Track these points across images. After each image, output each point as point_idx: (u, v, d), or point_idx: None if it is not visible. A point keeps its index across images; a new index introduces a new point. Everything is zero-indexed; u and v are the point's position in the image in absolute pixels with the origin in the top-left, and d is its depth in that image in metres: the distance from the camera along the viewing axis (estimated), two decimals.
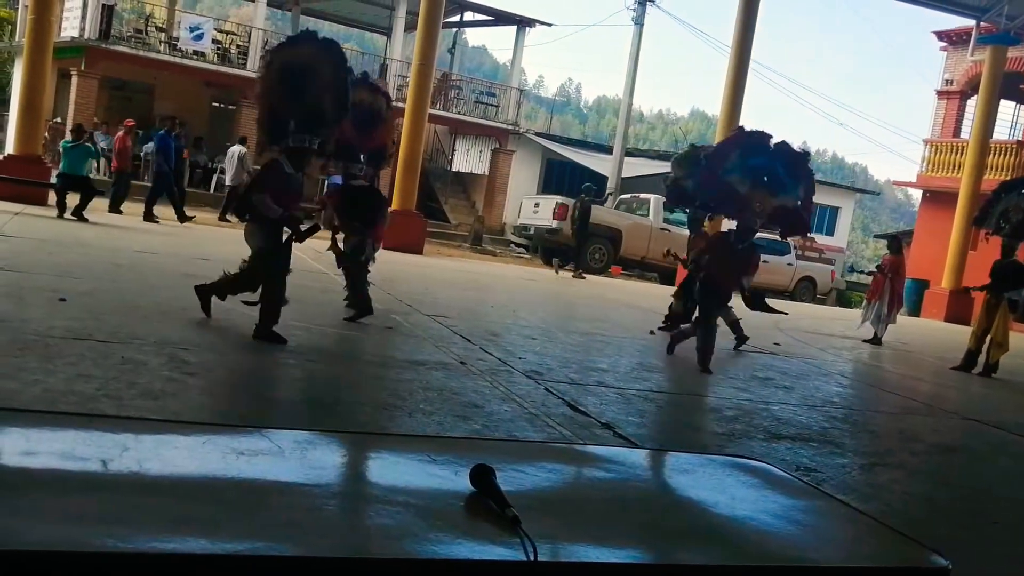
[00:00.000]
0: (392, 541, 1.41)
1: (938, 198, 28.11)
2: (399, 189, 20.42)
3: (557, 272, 18.98)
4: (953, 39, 29.16)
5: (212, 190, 28.30)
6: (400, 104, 23.67)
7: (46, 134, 22.05)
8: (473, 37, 78.34)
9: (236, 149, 21.26)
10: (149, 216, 18.07)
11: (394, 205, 20.66)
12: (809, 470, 5.65)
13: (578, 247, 21.45)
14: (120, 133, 19.92)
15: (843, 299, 30.84)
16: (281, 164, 7.63)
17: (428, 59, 20.51)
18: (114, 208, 18.52)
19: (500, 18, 34.28)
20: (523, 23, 33.65)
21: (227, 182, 21.62)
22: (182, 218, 18.49)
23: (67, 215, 15.60)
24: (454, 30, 36.12)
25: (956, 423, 8.72)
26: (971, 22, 24.63)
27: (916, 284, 23.62)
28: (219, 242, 15.46)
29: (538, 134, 36.39)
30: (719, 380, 8.90)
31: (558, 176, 34.47)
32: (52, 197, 16.42)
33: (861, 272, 17.48)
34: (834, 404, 8.50)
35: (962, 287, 13.08)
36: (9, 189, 16.71)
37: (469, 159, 34.75)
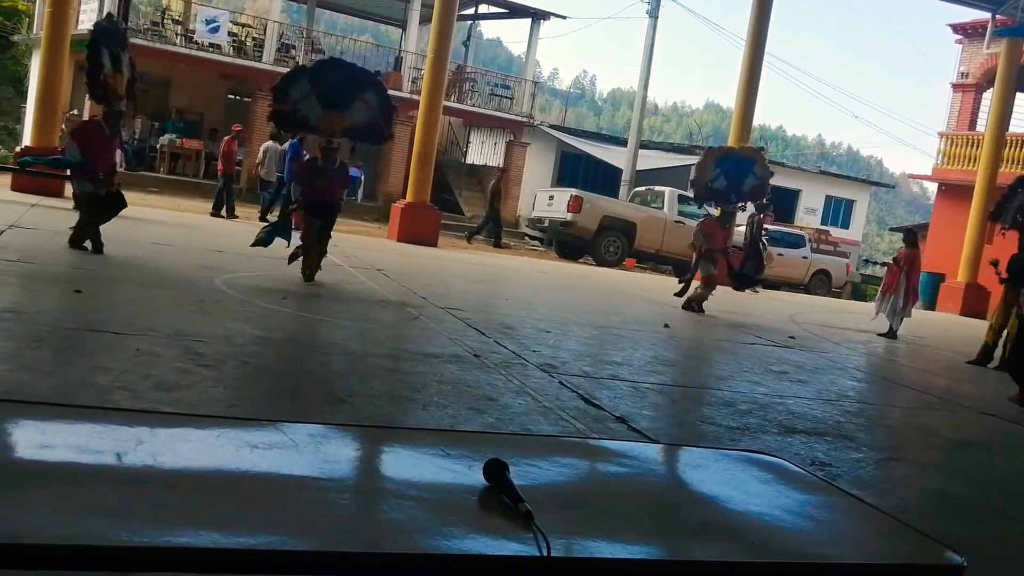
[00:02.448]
0: (405, 535, 1.41)
1: (954, 191, 27.99)
2: (413, 181, 20.42)
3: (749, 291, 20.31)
4: (969, 32, 29.01)
5: None
6: (416, 96, 23.65)
7: (63, 126, 22.18)
8: (488, 30, 78.48)
9: (277, 146, 21.34)
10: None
11: (408, 197, 20.71)
12: (824, 464, 5.63)
13: (746, 262, 21.74)
14: (227, 137, 20.10)
15: (858, 292, 30.75)
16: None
17: (443, 52, 20.49)
18: (216, 212, 19.12)
19: (515, 11, 34.23)
20: (538, 16, 33.60)
21: (265, 176, 21.62)
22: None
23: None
24: (469, 22, 36.08)
25: (972, 418, 8.68)
26: (987, 15, 24.47)
27: (932, 278, 23.53)
28: (233, 235, 15.50)
29: (552, 126, 36.34)
30: (733, 374, 8.87)
31: (572, 168, 34.43)
32: (68, 189, 16.48)
33: (875, 263, 17.44)
34: (849, 398, 8.48)
35: (991, 261, 12.95)
36: (26, 181, 16.79)
37: (483, 151, 34.72)
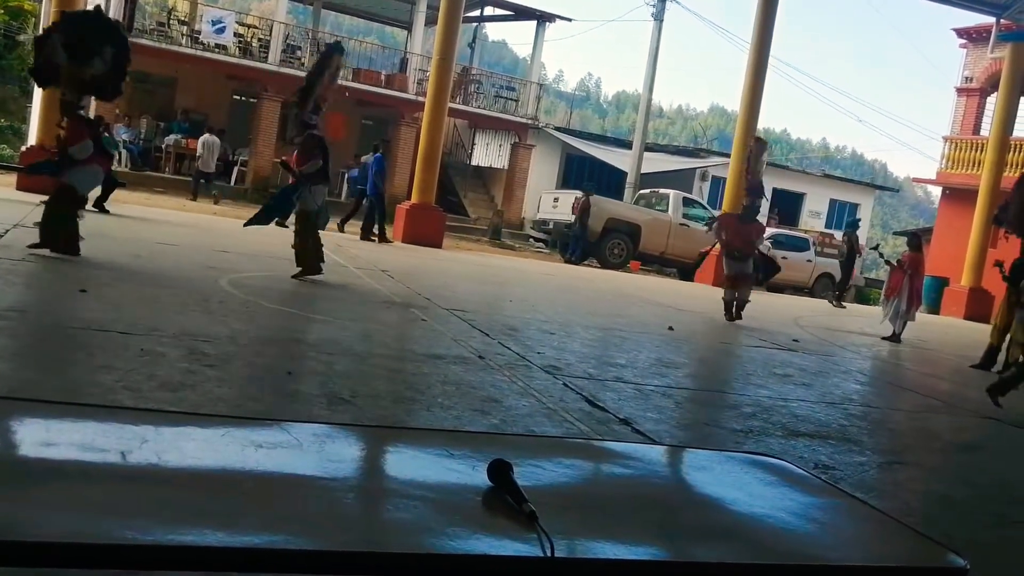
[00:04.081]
0: (409, 535, 1.41)
1: (958, 195, 27.96)
2: (418, 183, 20.44)
3: (836, 305, 20.90)
4: (973, 36, 29.00)
5: (232, 182, 28.43)
6: (421, 98, 23.65)
7: None
8: (493, 32, 78.53)
9: (216, 139, 24.86)
10: (367, 235, 19.04)
11: (413, 199, 20.74)
12: (827, 467, 5.63)
13: (844, 281, 22.75)
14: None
15: (862, 296, 30.73)
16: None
17: (448, 53, 20.50)
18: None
19: (520, 13, 34.24)
20: (543, 18, 33.62)
21: (203, 167, 24.73)
22: (383, 238, 19.13)
23: (89, 207, 15.68)
24: (474, 24, 36.07)
25: (976, 422, 8.67)
26: (991, 19, 24.47)
27: (935, 281, 23.50)
28: (237, 235, 15.50)
29: (557, 128, 36.36)
30: (738, 376, 8.88)
31: (577, 171, 34.43)
32: None
33: (883, 256, 17.48)
34: (852, 401, 8.47)
35: (995, 262, 12.94)
36: (32, 181, 16.81)
37: (488, 153, 34.75)
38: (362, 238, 18.90)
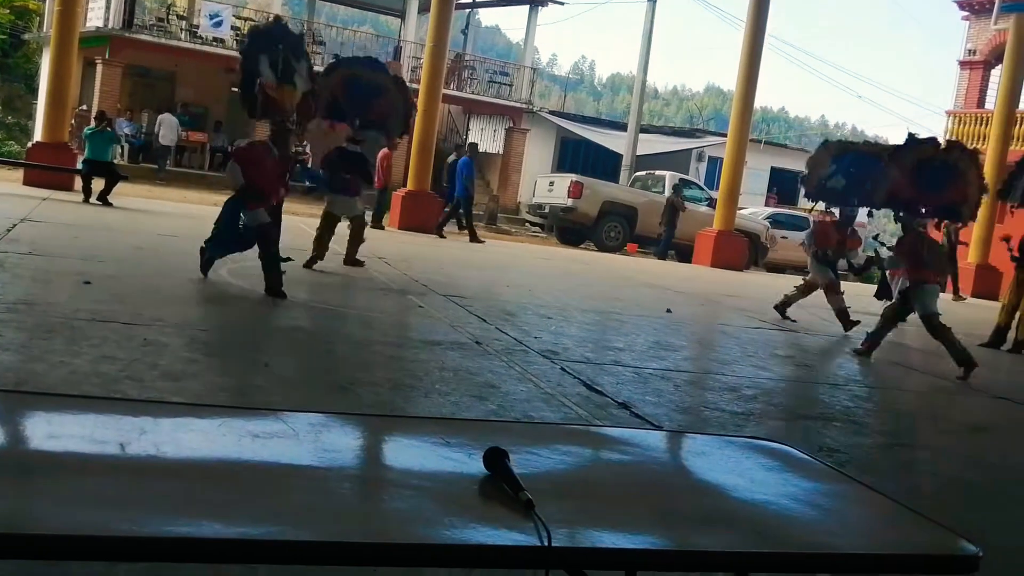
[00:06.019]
0: (406, 526, 1.41)
1: None
2: (414, 169, 20.40)
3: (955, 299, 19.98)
4: (976, 8, 28.81)
5: None
6: (415, 85, 23.65)
7: (72, 121, 22.34)
8: (486, 17, 78.26)
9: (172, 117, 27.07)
10: (474, 237, 19.38)
11: (409, 185, 20.69)
12: (832, 451, 5.61)
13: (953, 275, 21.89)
14: (386, 150, 18.64)
15: (865, 278, 30.64)
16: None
17: (441, 40, 20.43)
18: (376, 224, 18.34)
19: None
20: (536, 2, 33.52)
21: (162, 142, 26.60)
22: (474, 238, 19.42)
23: (92, 200, 15.73)
24: (467, 11, 35.98)
25: (984, 402, 8.62)
26: None
27: None
28: None
29: (552, 112, 36.29)
30: (737, 358, 8.85)
31: (572, 154, 34.38)
32: (78, 183, 16.56)
33: (883, 244, 17.26)
34: (857, 382, 8.45)
35: (1002, 237, 12.80)
36: (37, 176, 17.05)
37: (483, 138, 34.68)
38: (471, 239, 19.35)
